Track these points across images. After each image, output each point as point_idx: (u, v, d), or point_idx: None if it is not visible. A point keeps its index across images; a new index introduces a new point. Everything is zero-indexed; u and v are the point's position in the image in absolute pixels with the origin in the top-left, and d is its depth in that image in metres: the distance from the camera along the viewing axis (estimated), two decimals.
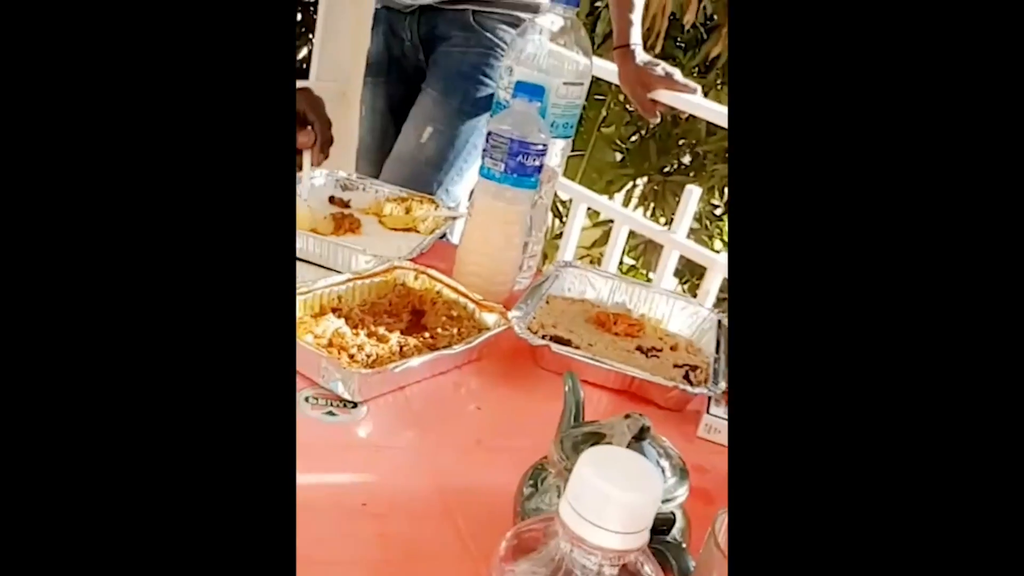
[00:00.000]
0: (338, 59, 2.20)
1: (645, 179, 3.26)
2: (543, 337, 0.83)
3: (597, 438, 0.55)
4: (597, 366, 0.81)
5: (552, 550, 0.39)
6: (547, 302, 0.93)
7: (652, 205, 3.24)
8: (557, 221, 3.16)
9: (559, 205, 3.04)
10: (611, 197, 2.82)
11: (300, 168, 0.96)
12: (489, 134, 0.87)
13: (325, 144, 0.95)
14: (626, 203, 3.18)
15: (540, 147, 0.87)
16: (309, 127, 0.95)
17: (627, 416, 0.55)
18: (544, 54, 0.91)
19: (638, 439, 0.54)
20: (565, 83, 0.91)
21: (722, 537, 0.42)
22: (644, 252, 3.14)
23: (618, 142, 3.32)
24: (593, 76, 1.13)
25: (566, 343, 0.84)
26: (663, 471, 0.53)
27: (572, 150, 1.03)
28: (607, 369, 0.81)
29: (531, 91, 0.86)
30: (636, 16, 1.49)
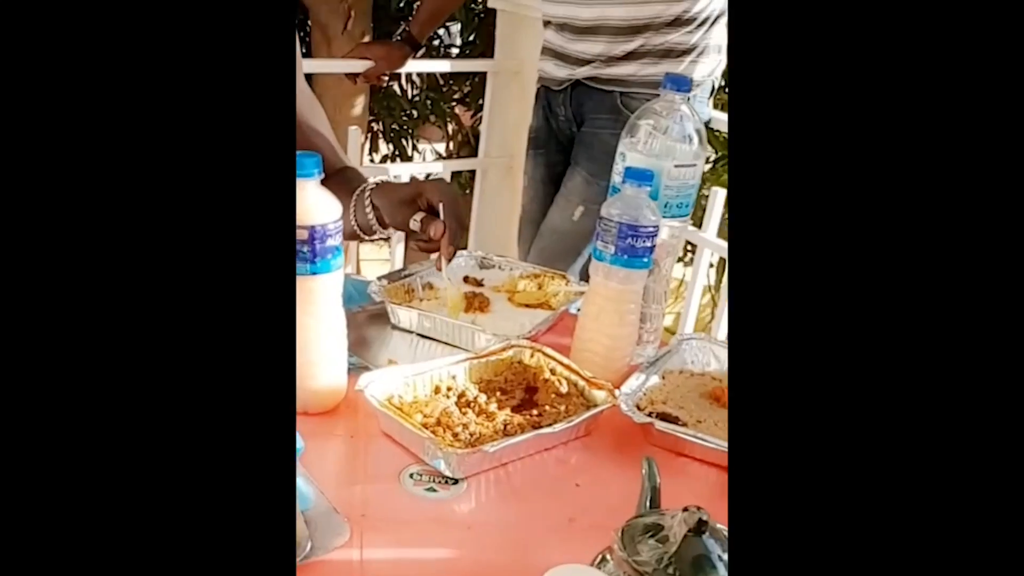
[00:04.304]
0: (504, 136, 2.33)
1: None
2: (649, 414, 0.85)
3: (656, 530, 0.57)
4: (704, 444, 0.81)
5: None
6: (663, 377, 0.95)
7: None
8: None
9: None
10: None
11: (436, 261, 1.00)
12: (600, 218, 0.91)
13: (454, 236, 0.97)
14: None
15: (651, 229, 0.90)
16: (440, 219, 0.96)
17: (685, 509, 0.56)
18: (657, 139, 0.94)
19: (696, 532, 0.55)
20: (676, 166, 0.94)
21: None
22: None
23: None
24: None
25: (673, 420, 0.85)
26: (722, 566, 0.54)
27: None
28: (714, 447, 0.81)
29: (640, 176, 0.89)
30: None
